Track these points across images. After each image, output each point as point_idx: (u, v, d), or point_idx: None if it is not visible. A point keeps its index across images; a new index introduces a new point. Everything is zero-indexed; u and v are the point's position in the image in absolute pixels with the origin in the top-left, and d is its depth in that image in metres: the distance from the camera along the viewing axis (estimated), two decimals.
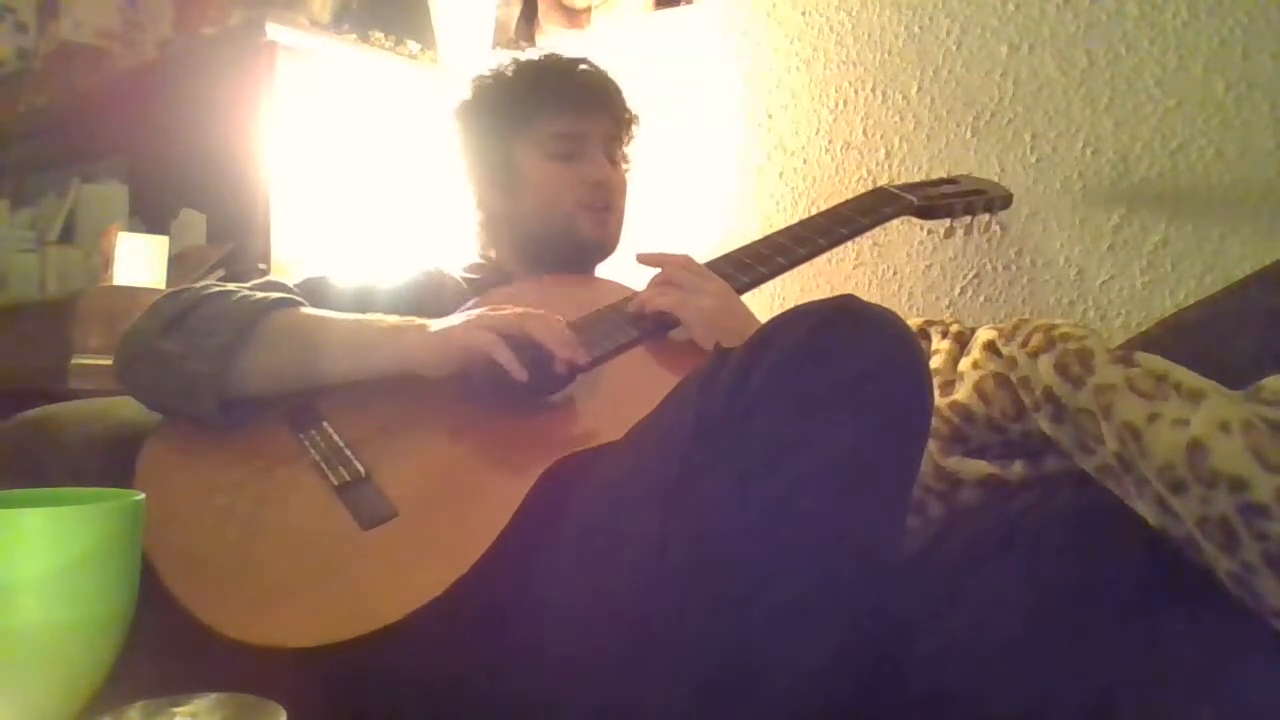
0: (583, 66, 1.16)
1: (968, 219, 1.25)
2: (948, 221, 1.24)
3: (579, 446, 0.82)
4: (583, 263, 1.16)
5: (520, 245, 1.16)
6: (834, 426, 0.64)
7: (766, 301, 1.48)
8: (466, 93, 1.18)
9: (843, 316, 0.68)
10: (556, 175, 1.12)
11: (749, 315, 0.98)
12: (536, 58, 1.18)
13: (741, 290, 1.03)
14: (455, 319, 0.89)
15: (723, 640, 0.63)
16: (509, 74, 1.16)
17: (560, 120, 1.11)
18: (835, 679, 0.65)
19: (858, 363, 0.65)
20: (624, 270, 1.19)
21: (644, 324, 0.97)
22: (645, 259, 1.04)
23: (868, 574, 0.66)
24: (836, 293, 1.46)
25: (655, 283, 1.01)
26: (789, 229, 1.16)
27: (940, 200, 1.22)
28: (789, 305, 1.51)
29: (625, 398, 0.87)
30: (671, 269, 1.00)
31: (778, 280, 1.13)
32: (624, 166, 1.20)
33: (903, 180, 1.45)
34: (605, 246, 1.17)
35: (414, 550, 0.75)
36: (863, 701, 0.68)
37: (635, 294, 1.02)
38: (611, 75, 1.19)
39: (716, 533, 0.65)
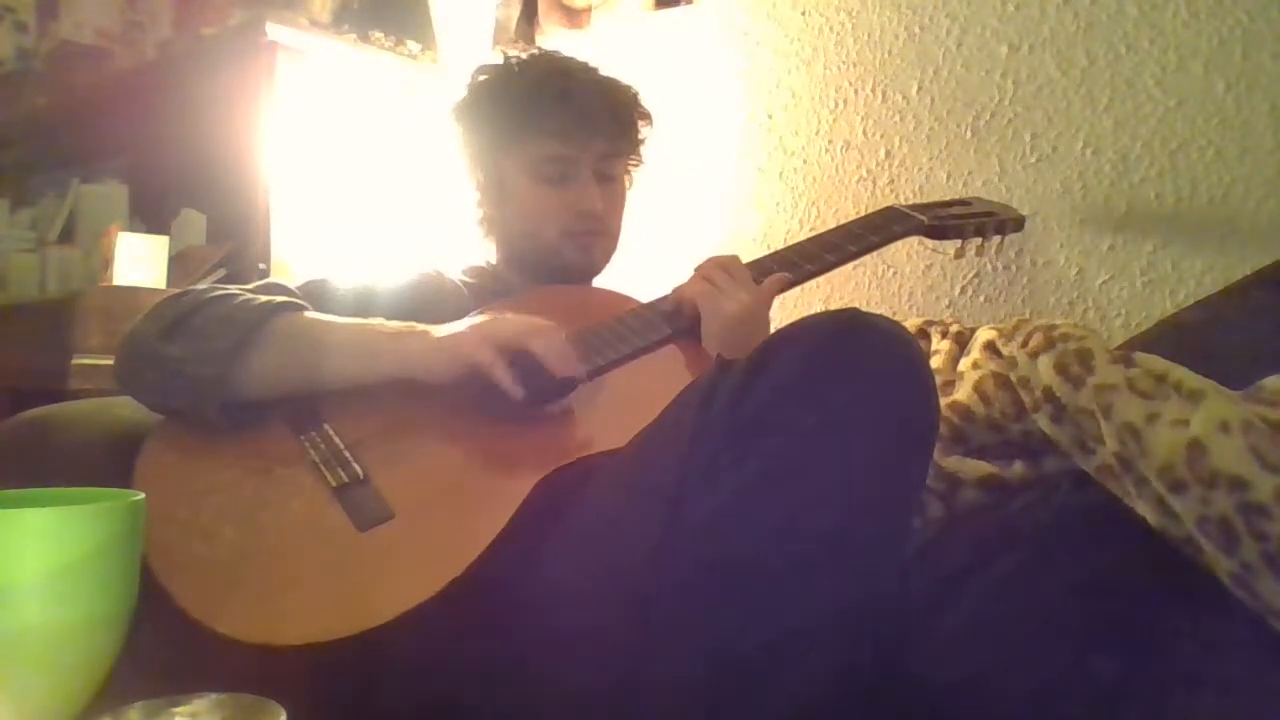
0: (580, 84, 1.12)
1: (978, 240, 1.24)
2: (958, 242, 1.24)
3: (578, 454, 0.82)
4: (569, 281, 1.15)
5: (510, 254, 1.17)
6: (834, 454, 0.64)
7: None
8: (465, 93, 1.17)
9: (844, 335, 0.67)
10: (544, 200, 1.10)
11: (766, 331, 0.99)
12: (537, 65, 1.16)
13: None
14: (458, 326, 0.89)
15: (724, 642, 0.63)
16: (507, 82, 1.14)
17: (551, 144, 1.09)
18: (836, 680, 0.65)
19: (859, 385, 0.65)
20: (623, 275, 1.19)
21: (676, 318, 1.02)
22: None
23: (870, 582, 0.66)
24: (837, 292, 1.47)
25: (695, 274, 1.05)
26: (797, 245, 1.15)
27: (951, 221, 1.21)
28: (789, 306, 1.52)
29: (625, 407, 0.87)
30: (711, 266, 1.04)
31: None
32: (631, 162, 1.18)
33: (903, 181, 1.45)
34: (591, 270, 1.16)
35: (408, 552, 0.75)
36: (865, 699, 0.68)
37: (660, 297, 1.04)
38: (615, 82, 1.16)
39: (716, 544, 0.65)
